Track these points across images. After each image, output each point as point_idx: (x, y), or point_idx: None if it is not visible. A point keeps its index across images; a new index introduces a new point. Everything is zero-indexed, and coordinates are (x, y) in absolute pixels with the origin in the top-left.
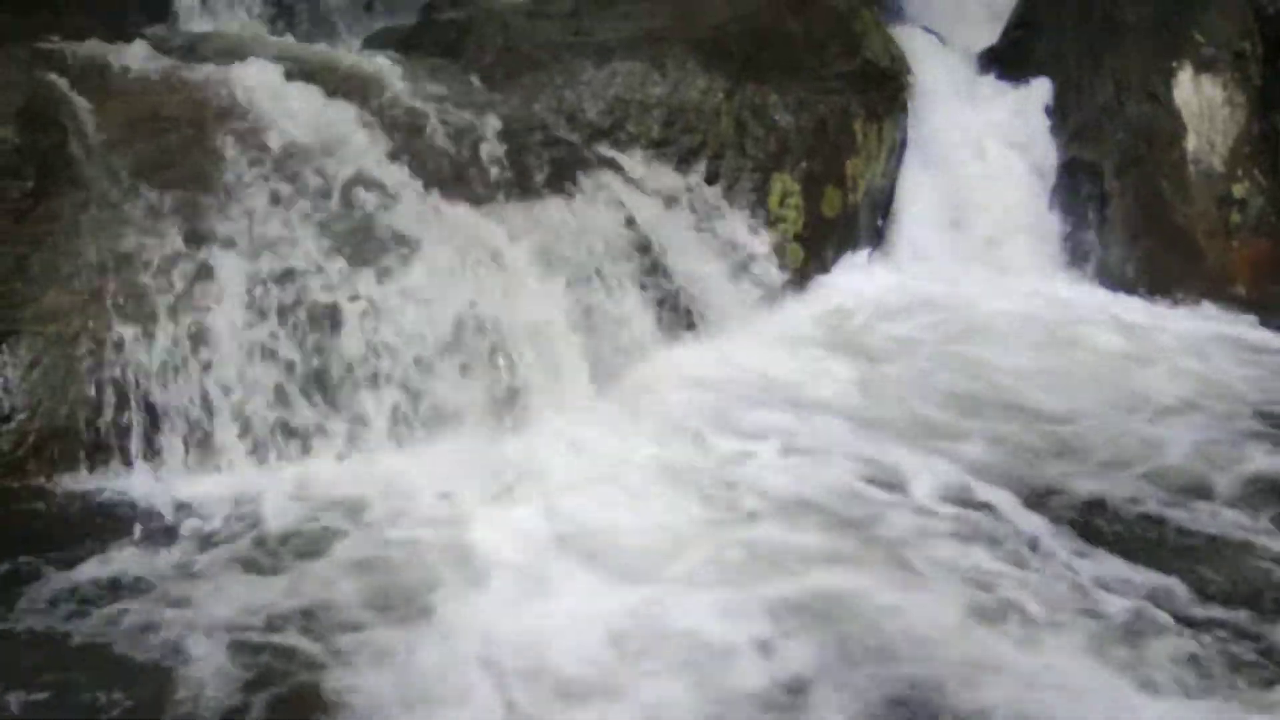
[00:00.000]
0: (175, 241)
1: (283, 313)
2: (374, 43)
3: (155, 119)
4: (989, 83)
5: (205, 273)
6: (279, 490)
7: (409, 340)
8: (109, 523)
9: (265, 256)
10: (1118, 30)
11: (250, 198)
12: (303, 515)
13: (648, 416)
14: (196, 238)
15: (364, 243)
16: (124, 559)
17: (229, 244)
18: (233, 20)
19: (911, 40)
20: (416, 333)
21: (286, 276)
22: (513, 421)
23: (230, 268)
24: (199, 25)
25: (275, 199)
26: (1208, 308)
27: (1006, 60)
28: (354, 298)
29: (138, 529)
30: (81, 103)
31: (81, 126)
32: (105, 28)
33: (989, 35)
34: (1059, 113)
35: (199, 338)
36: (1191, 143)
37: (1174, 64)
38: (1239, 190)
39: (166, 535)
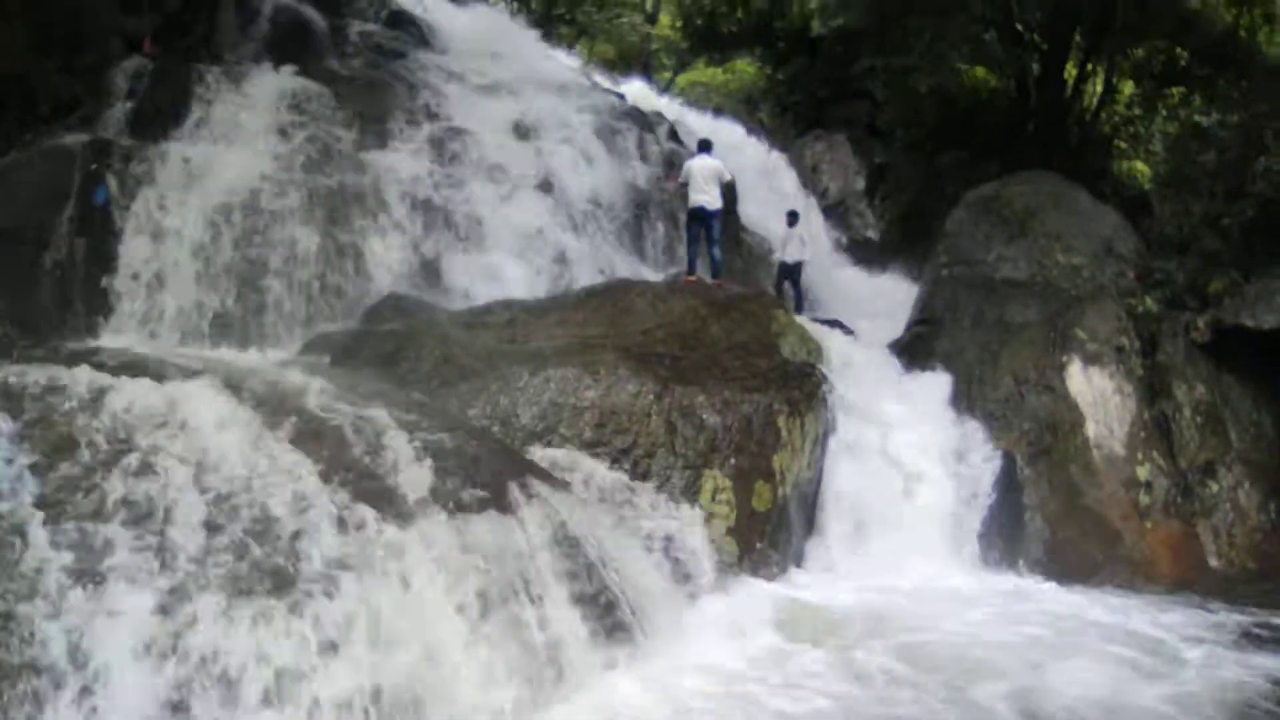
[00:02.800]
0: (72, 595)
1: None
2: (314, 348)
3: (74, 444)
4: (899, 375)
5: (98, 634)
6: None
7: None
8: None
9: (170, 606)
10: (1010, 330)
11: (162, 531)
12: None
13: None
14: (93, 584)
15: (289, 575)
16: None
17: (131, 585)
18: (171, 331)
19: (826, 335)
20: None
21: (190, 627)
22: None
23: (127, 622)
24: (136, 336)
25: (196, 528)
26: (1128, 595)
27: (912, 353)
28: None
29: None
30: (4, 428)
31: (3, 452)
32: (36, 339)
33: (894, 327)
34: (965, 405)
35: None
36: (1092, 430)
37: (1064, 359)
38: (1143, 473)
39: None
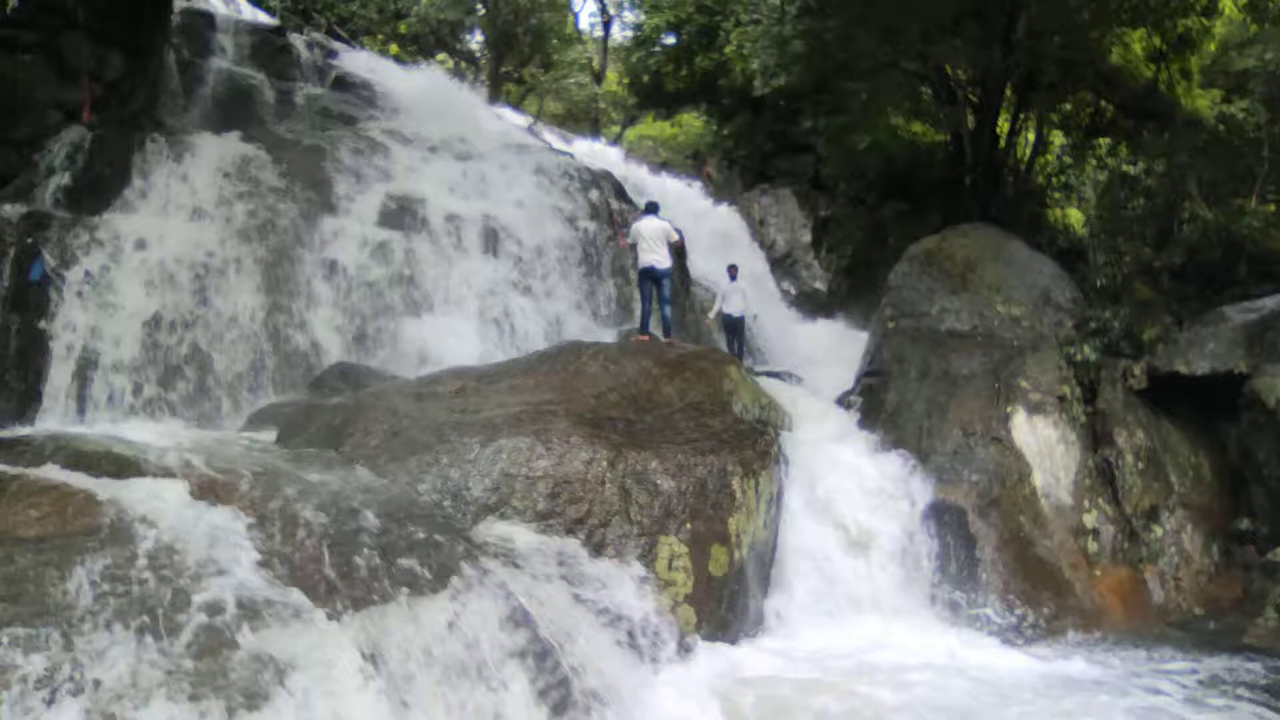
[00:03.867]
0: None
1: None
2: (259, 422)
3: (10, 542)
4: (850, 429)
5: None
6: None
7: None
8: None
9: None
10: (955, 381)
11: (101, 634)
12: None
13: None
14: (26, 694)
15: (224, 680)
16: None
17: (69, 700)
18: (109, 408)
19: (777, 390)
20: None
21: None
22: None
23: None
24: (73, 414)
25: (130, 631)
26: (1081, 649)
27: (862, 406)
28: None
29: None
30: None
31: None
32: None
33: (844, 377)
34: (915, 458)
35: None
36: (1039, 479)
37: (1009, 409)
38: (1089, 520)
39: None
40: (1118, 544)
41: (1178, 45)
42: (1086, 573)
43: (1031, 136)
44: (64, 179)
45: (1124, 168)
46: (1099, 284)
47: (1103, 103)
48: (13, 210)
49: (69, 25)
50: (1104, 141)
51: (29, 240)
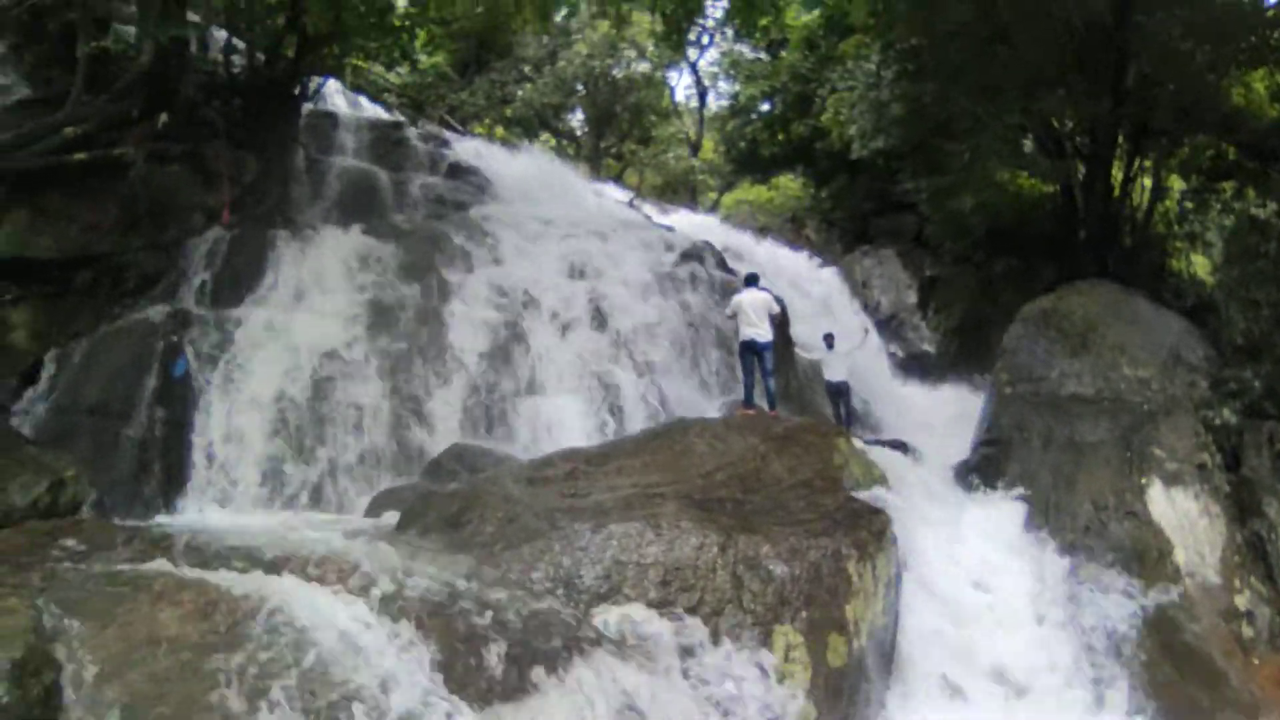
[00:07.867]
0: None
1: None
2: (380, 507)
3: (152, 642)
4: (970, 501)
5: None
6: None
7: None
8: None
9: None
10: (1082, 450)
11: None
12: None
13: None
14: None
15: None
16: None
17: None
18: (244, 497)
19: (889, 459)
20: None
21: None
22: None
23: None
24: (211, 505)
25: None
26: None
27: (981, 475)
28: None
29: None
30: (80, 633)
31: (77, 660)
32: (119, 519)
33: (958, 442)
34: (1043, 533)
35: None
36: (1182, 557)
37: (1143, 481)
38: (1242, 602)
39: None
40: (1276, 628)
41: None
42: (1241, 661)
43: (1149, 183)
44: (204, 277)
45: (1253, 211)
46: (1234, 340)
47: (1224, 145)
48: (158, 311)
49: (212, 135)
50: (1229, 185)
51: (173, 338)
